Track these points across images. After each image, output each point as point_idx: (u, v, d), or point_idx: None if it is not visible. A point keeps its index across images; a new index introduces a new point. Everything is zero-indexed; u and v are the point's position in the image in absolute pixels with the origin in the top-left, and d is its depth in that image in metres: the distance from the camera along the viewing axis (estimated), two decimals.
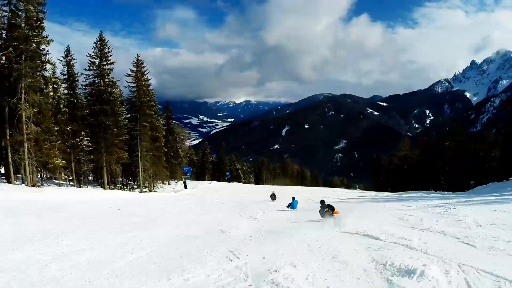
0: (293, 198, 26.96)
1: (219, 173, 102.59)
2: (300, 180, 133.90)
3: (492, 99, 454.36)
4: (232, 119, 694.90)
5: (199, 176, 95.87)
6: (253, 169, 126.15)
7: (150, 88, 53.01)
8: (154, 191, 51.77)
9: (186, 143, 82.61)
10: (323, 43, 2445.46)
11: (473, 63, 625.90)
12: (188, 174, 66.17)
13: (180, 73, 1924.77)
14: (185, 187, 57.98)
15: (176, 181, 68.02)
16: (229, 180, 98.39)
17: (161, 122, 60.88)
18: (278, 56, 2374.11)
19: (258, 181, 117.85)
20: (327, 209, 16.61)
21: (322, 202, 17.78)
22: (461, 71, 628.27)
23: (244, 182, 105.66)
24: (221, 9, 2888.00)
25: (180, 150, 69.47)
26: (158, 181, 60.07)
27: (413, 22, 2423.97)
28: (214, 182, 76.65)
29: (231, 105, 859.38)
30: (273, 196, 35.40)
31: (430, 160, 76.57)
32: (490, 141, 70.78)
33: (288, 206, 25.88)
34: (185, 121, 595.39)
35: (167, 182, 64.75)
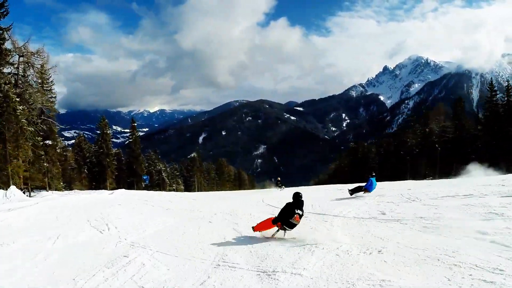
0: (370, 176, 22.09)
1: (132, 177, 75.17)
2: (238, 184, 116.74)
3: (406, 101, 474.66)
4: (147, 129, 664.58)
5: (97, 181, 68.79)
6: (181, 171, 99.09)
7: None
8: None
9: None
10: (240, 48, 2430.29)
11: (385, 68, 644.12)
12: None
13: (93, 81, 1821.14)
14: None
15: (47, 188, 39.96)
16: (147, 187, 74.02)
17: None
18: (194, 61, 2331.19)
19: (188, 188, 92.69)
20: (300, 212, 11.42)
21: (297, 195, 11.62)
22: (374, 76, 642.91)
23: (170, 190, 79.36)
24: (136, 12, 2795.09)
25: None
26: None
27: (326, 30, 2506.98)
28: (120, 191, 37.83)
29: (145, 115, 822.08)
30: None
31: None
32: None
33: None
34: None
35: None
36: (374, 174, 22.37)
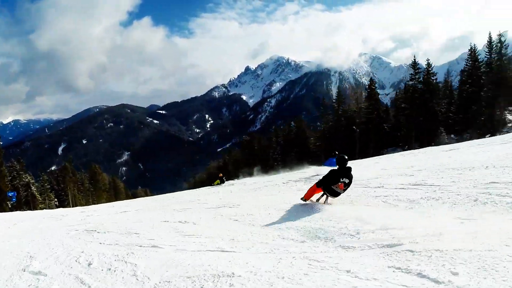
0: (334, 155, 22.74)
1: None
2: (114, 193, 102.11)
3: (268, 100, 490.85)
4: (0, 143, 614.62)
5: None
6: (51, 184, 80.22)
7: None
8: None
9: None
10: (101, 49, 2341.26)
11: (247, 69, 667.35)
12: None
13: None
14: None
15: None
16: (15, 207, 56.71)
17: None
18: (51, 64, 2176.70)
19: (62, 203, 76.57)
20: (346, 180, 9.96)
21: (341, 160, 10.06)
22: (236, 77, 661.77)
23: (41, 208, 62.26)
24: None
25: None
26: None
27: (189, 32, 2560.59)
28: None
29: None
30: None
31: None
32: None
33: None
34: None
35: None
36: (336, 153, 21.35)
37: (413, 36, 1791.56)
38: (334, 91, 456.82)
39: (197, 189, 36.37)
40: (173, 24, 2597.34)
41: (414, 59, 63.80)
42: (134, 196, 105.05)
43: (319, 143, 76.10)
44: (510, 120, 57.82)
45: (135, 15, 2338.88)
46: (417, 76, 63.10)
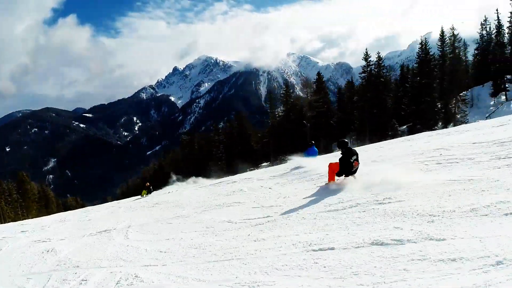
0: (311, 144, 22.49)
1: None
2: (45, 203, 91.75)
3: (197, 101, 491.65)
4: None
5: None
6: None
7: None
8: None
9: None
10: (23, 49, 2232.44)
11: (175, 69, 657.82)
12: None
13: None
14: None
15: None
16: None
17: None
18: None
19: None
20: (355, 157, 11.19)
21: (343, 144, 11.42)
22: (164, 78, 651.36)
23: None
24: None
25: None
26: None
27: (115, 31, 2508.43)
28: None
29: None
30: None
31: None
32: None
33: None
34: None
35: None
36: (313, 142, 23.27)
37: (341, 36, 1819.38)
38: (263, 90, 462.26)
39: (175, 191, 30.77)
40: (100, 23, 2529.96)
41: (366, 52, 64.16)
42: (65, 206, 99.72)
43: (267, 140, 76.24)
44: (463, 110, 59.48)
45: (60, 12, 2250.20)
46: (368, 69, 64.02)
